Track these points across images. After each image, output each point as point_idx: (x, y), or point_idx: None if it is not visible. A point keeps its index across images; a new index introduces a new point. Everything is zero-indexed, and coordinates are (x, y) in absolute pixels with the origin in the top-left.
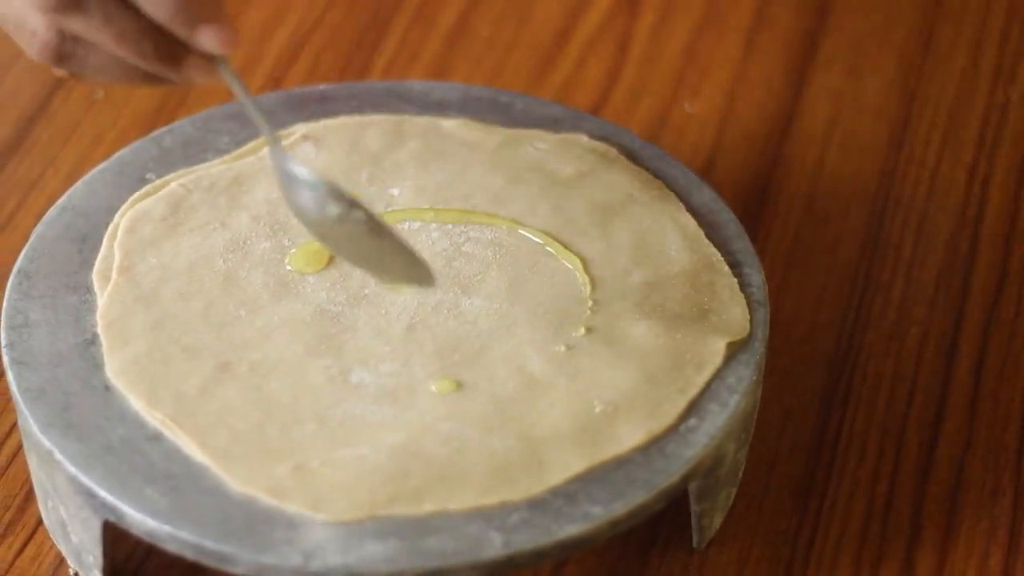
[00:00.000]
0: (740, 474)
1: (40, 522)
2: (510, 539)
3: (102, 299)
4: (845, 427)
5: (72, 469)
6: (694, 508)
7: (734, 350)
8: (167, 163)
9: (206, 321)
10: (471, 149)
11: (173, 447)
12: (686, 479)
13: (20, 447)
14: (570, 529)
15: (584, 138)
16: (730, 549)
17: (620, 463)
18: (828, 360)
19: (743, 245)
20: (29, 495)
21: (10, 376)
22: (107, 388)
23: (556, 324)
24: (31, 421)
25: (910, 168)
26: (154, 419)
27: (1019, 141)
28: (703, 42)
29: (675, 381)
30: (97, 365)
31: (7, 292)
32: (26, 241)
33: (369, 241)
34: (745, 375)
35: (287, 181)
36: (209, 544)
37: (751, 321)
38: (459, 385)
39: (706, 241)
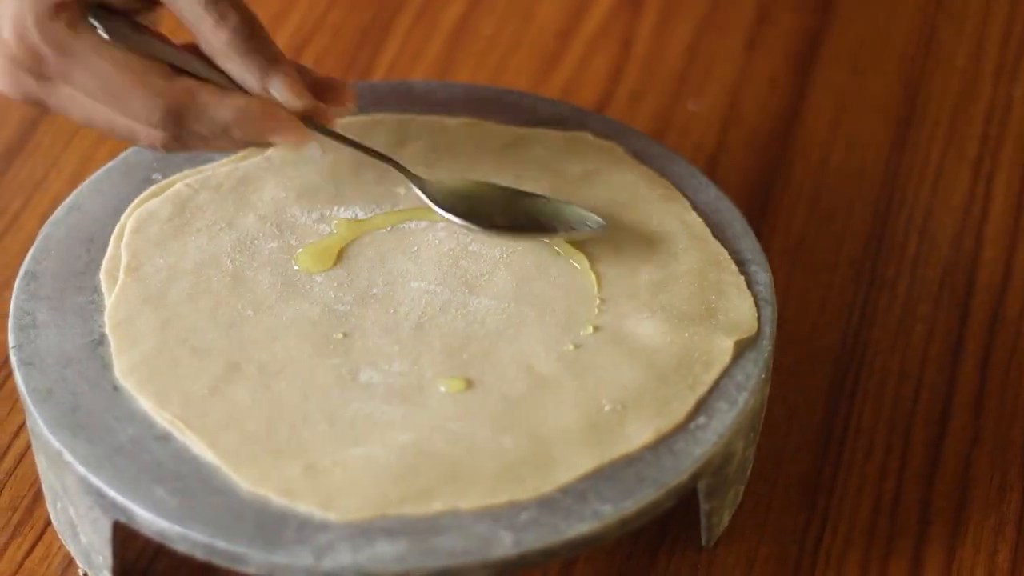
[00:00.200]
0: (748, 472)
1: (49, 523)
2: (520, 538)
3: (110, 300)
4: (852, 424)
5: (82, 470)
6: (703, 506)
7: (742, 348)
8: (172, 163)
9: (214, 321)
10: (477, 148)
11: (182, 447)
12: (695, 477)
13: (28, 448)
14: (580, 528)
15: (590, 137)
16: (738, 547)
17: (629, 461)
18: (834, 357)
19: (749, 243)
20: (37, 496)
21: (18, 377)
22: (116, 389)
23: (564, 323)
24: (40, 422)
25: (914, 166)
26: (163, 419)
27: (1023, 138)
28: (706, 41)
29: (684, 379)
30: (105, 366)
31: (14, 293)
32: (32, 242)
33: None
34: (753, 373)
35: None
36: (221, 544)
37: (759, 319)
38: (468, 384)
39: (713, 239)
